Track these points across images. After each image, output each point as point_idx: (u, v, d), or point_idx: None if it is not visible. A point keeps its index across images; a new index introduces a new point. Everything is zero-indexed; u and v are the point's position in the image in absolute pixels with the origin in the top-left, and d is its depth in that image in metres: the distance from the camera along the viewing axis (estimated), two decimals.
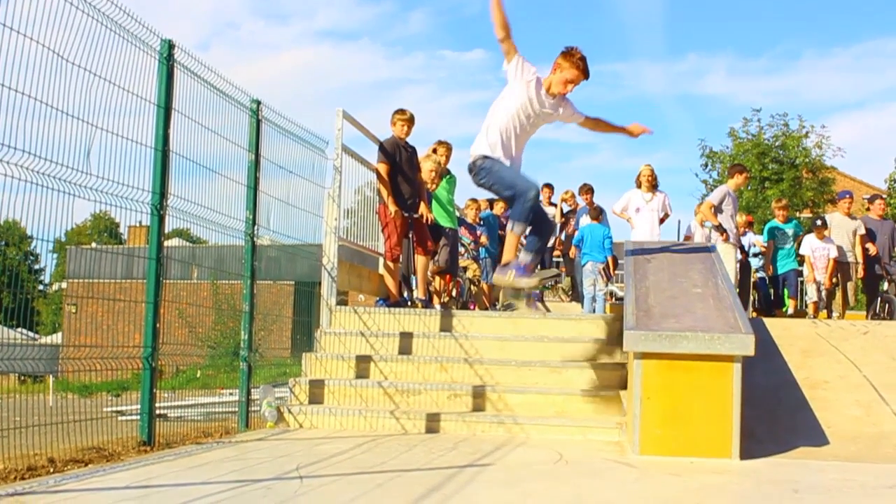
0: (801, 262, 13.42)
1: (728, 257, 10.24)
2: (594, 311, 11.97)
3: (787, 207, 13.76)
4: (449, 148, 10.48)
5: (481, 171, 6.64)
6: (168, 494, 4.13)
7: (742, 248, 12.87)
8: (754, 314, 12.74)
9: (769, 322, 8.63)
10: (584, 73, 6.54)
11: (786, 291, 13.49)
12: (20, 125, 4.47)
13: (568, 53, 6.54)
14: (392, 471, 5.00)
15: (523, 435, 6.62)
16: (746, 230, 14.05)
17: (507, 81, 6.66)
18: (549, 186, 15.09)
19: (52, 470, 4.81)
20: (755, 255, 13.73)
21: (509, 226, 6.82)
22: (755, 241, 14.03)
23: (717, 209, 11.31)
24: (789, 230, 13.19)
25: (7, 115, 4.38)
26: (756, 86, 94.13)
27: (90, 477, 4.55)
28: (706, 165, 31.91)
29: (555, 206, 15.01)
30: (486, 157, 6.60)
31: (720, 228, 11.12)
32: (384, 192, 8.90)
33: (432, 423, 6.83)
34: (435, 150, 10.32)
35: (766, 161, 29.98)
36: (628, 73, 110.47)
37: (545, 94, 6.61)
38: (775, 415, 6.58)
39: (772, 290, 13.56)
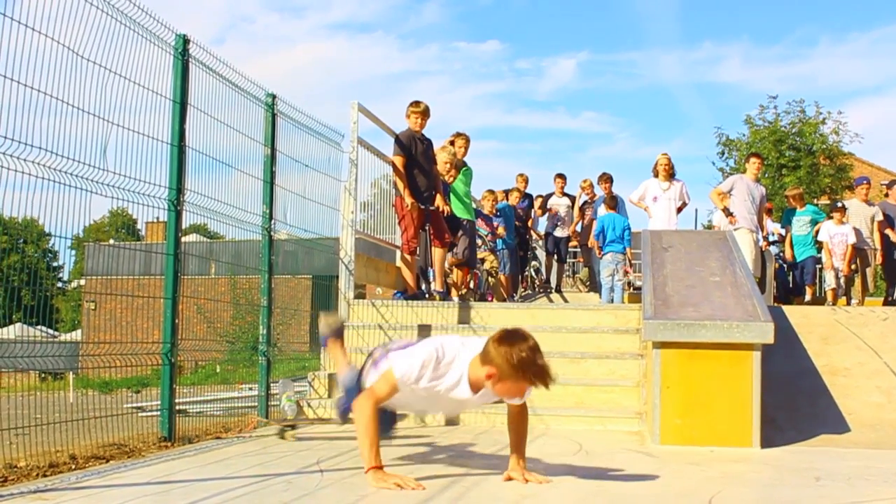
0: (819, 249, 13.32)
1: (745, 244, 10.20)
2: (612, 301, 11.96)
3: (799, 197, 13.60)
4: (467, 139, 10.47)
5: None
6: (190, 490, 4.14)
7: (766, 237, 12.79)
8: (776, 304, 12.67)
9: (788, 309, 8.58)
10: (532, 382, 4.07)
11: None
12: (37, 123, 4.48)
13: (508, 342, 4.17)
14: (412, 463, 5.01)
15: (543, 426, 6.62)
16: (766, 217, 13.95)
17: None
18: (562, 177, 15.03)
19: (73, 466, 4.84)
20: (772, 242, 13.63)
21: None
22: (773, 228, 13.93)
23: (728, 194, 11.30)
24: (806, 216, 13.09)
25: (24, 112, 4.40)
26: (772, 73, 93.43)
27: (112, 473, 4.57)
28: (723, 153, 31.69)
29: (570, 196, 14.94)
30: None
31: (727, 211, 11.10)
32: (400, 185, 8.90)
33: (451, 416, 6.82)
34: (452, 142, 10.31)
35: (783, 148, 29.76)
36: (643, 62, 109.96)
37: (470, 391, 4.30)
38: (795, 402, 6.55)
39: (790, 277, 13.48)
